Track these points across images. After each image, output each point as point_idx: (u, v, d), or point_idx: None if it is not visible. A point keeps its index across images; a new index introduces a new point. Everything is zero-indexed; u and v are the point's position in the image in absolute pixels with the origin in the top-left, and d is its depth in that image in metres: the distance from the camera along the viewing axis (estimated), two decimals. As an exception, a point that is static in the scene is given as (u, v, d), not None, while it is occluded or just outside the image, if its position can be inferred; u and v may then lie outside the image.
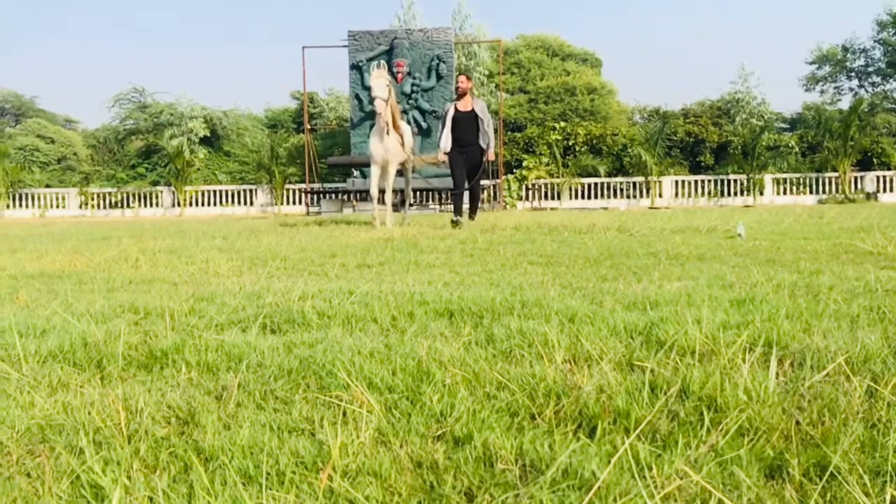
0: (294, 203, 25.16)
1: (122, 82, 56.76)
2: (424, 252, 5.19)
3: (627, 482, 1.18)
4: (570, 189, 24.51)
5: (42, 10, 70.27)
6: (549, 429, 1.42)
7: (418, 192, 21.08)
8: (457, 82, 9.52)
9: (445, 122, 9.33)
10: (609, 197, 24.42)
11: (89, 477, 1.23)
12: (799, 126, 28.63)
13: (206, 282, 3.73)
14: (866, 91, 32.09)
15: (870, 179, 24.17)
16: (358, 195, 20.74)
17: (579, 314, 2.36)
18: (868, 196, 23.41)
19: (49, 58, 67.52)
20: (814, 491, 1.16)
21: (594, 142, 25.61)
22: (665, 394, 1.56)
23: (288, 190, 25.38)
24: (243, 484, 1.22)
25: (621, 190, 24.60)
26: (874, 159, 24.84)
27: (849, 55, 32.45)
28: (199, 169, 27.01)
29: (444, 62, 20.56)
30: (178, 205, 25.52)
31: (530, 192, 24.54)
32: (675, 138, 26.05)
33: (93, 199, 26.05)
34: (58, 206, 26.03)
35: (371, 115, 9.38)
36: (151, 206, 26.04)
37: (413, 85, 20.72)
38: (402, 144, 9.23)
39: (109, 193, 26.17)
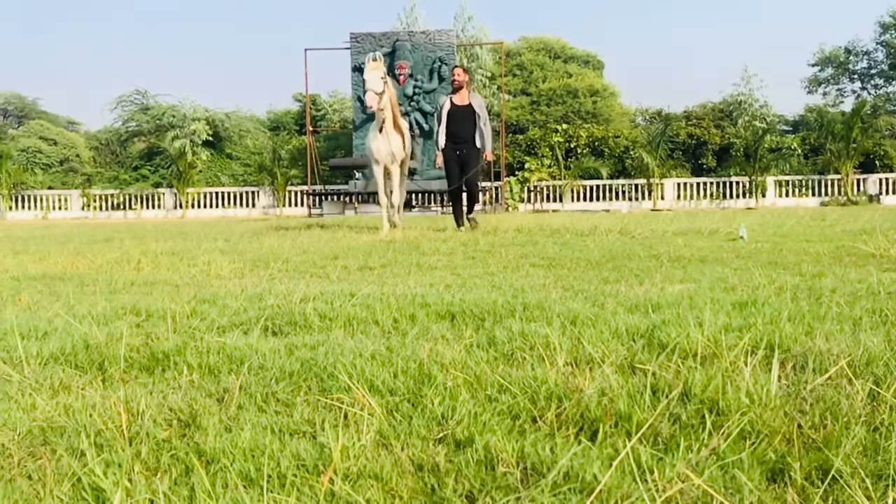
0: (296, 205, 25.19)
1: (125, 84, 57.13)
2: (426, 254, 5.20)
3: (629, 486, 1.18)
4: (572, 191, 24.52)
5: (45, 12, 70.49)
6: (550, 432, 1.42)
7: (420, 195, 21.09)
8: (453, 75, 8.90)
9: (441, 117, 8.69)
10: (611, 199, 24.43)
11: (91, 479, 1.23)
12: (801, 128, 28.66)
13: (208, 284, 3.74)
14: (869, 93, 32.08)
15: (872, 182, 24.16)
16: (360, 197, 20.76)
17: (581, 317, 2.36)
18: (870, 198, 23.40)
19: (52, 60, 67.68)
20: (816, 494, 1.16)
21: (596, 144, 25.63)
22: (667, 397, 1.56)
23: (290, 192, 25.43)
24: (244, 486, 1.22)
25: (623, 192, 24.60)
26: (876, 162, 24.84)
27: (851, 57, 32.44)
28: (201, 171, 27.07)
29: (446, 64, 20.54)
30: (181, 207, 25.57)
31: (532, 194, 24.55)
32: (677, 140, 26.06)
33: (95, 201, 26.12)
34: (60, 208, 26.09)
35: (373, 117, 9.03)
36: (153, 207, 26.10)
37: (415, 87, 20.73)
38: (404, 144, 8.57)
39: (112, 195, 26.24)
